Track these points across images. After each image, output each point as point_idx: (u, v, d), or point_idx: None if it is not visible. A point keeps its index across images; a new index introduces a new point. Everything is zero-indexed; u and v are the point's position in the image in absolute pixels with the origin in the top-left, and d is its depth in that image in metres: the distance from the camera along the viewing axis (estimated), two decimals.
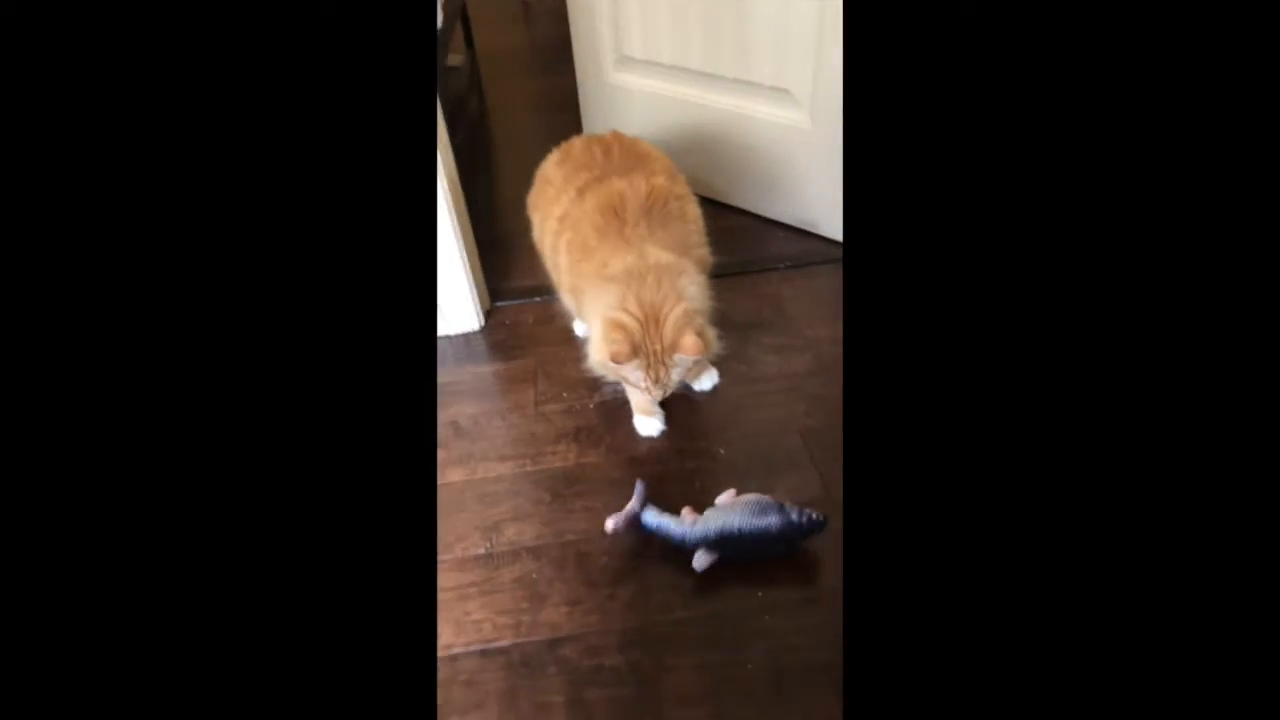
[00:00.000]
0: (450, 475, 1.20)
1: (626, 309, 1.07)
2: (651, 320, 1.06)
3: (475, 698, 0.92)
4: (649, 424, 1.23)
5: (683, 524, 1.01)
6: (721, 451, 1.19)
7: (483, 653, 0.96)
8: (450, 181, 1.34)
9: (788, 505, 1.01)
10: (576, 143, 1.33)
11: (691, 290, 1.10)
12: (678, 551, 1.02)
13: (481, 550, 1.08)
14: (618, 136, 1.31)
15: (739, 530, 0.99)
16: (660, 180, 1.20)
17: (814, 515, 1.00)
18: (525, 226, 1.40)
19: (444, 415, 1.30)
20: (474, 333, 1.46)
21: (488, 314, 1.50)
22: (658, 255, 1.11)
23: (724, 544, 1.00)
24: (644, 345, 1.07)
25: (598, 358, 1.11)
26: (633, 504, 1.05)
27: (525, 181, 1.40)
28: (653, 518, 1.04)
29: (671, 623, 0.98)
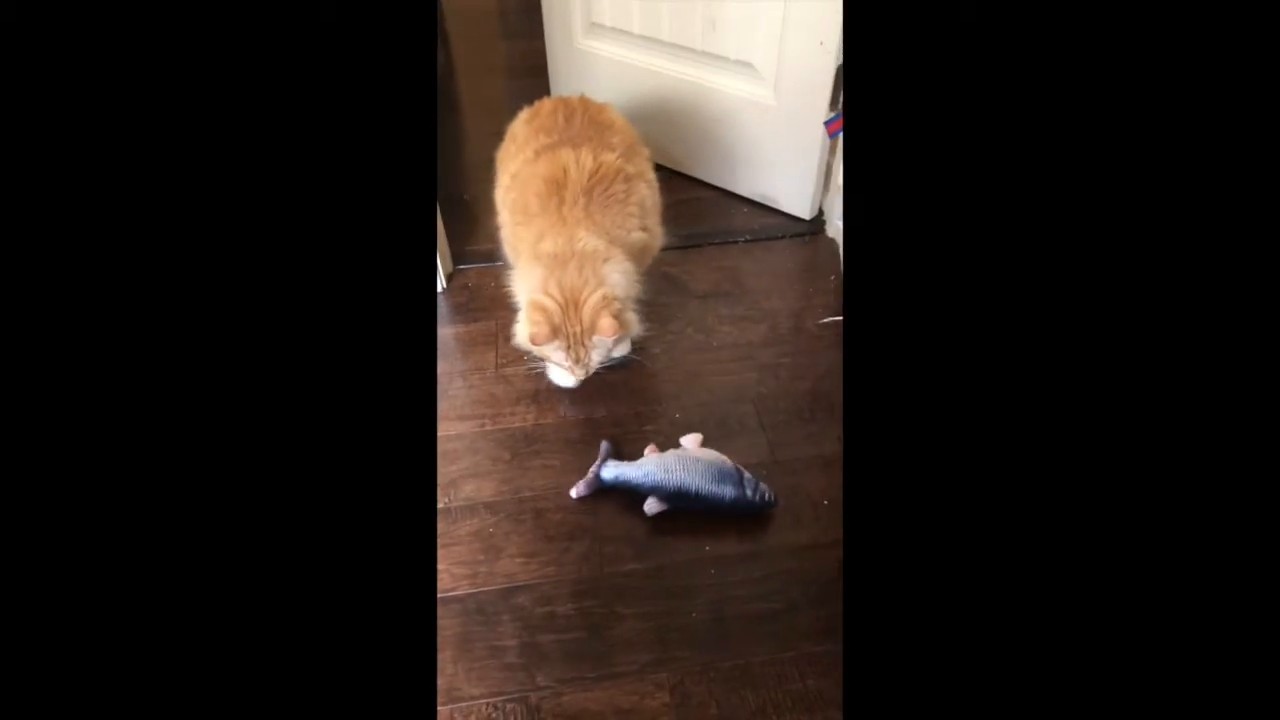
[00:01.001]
0: None
1: (548, 292, 1.12)
2: (571, 304, 1.11)
3: (436, 640, 0.95)
4: (565, 376, 1.25)
5: (642, 468, 1.07)
6: (677, 416, 1.23)
7: (441, 602, 1.00)
8: None
9: (747, 477, 1.07)
10: (546, 103, 1.34)
11: (615, 277, 1.15)
12: (633, 496, 1.09)
13: (441, 504, 1.11)
14: (584, 102, 1.33)
15: (695, 492, 1.05)
16: (611, 157, 1.21)
17: (767, 495, 1.06)
18: (489, 189, 1.40)
19: None
20: (436, 294, 1.47)
21: (449, 276, 1.51)
22: (585, 241, 1.14)
23: (678, 499, 1.06)
24: (564, 327, 1.12)
25: (521, 336, 1.16)
26: (595, 466, 1.11)
27: (490, 145, 1.40)
28: (610, 470, 1.09)
29: (622, 574, 1.03)
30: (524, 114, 1.36)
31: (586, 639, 0.96)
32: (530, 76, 2.03)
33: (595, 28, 1.72)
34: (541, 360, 1.25)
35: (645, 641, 0.95)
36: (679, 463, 1.07)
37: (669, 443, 1.15)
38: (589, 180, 1.18)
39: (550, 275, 1.12)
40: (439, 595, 1.00)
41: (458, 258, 1.54)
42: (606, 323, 1.09)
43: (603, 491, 1.11)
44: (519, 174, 1.24)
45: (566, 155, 1.20)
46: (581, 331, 1.12)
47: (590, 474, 1.11)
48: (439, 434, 1.21)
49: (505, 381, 1.30)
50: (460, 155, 1.90)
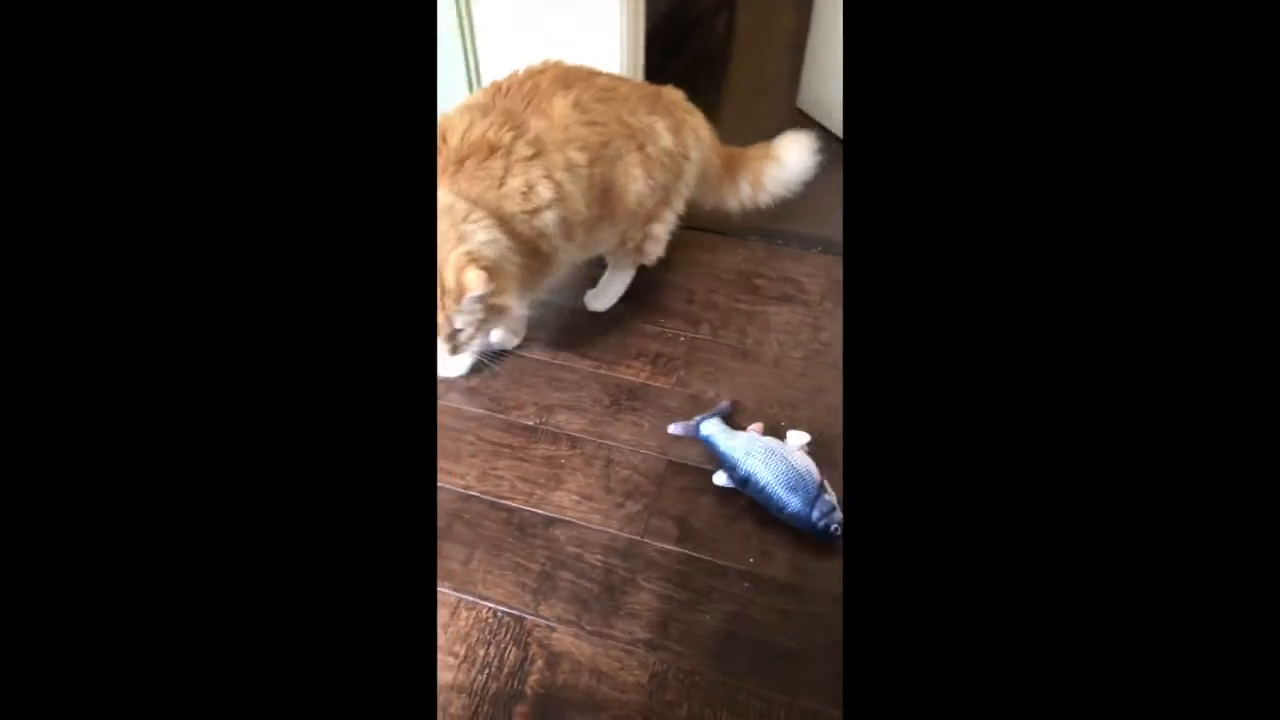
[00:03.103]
0: (534, 352, 1.30)
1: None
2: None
3: (471, 536, 1.03)
4: (451, 364, 1.20)
5: (733, 440, 1.06)
6: (782, 424, 1.16)
7: (492, 504, 1.07)
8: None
9: (824, 498, 0.99)
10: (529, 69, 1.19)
11: (480, 235, 1.00)
12: (710, 467, 1.09)
13: (530, 422, 1.18)
14: (558, 72, 1.16)
15: (762, 486, 1.01)
16: (499, 133, 1.06)
17: (833, 526, 0.98)
18: None
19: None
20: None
21: None
22: (443, 198, 1.01)
23: (744, 485, 1.03)
24: None
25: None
26: (701, 415, 1.13)
27: (733, 115, 1.40)
28: (709, 427, 1.10)
29: (658, 549, 1.01)
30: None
31: (598, 593, 0.97)
32: (800, 54, 1.97)
33: None
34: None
35: (649, 620, 0.94)
36: (765, 452, 1.02)
37: (776, 435, 1.09)
38: (465, 150, 1.05)
39: None
40: (494, 500, 1.08)
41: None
42: (473, 275, 0.94)
43: (693, 443, 1.12)
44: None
45: (454, 121, 1.07)
46: (444, 294, 0.96)
47: (694, 421, 1.12)
48: (558, 361, 1.28)
49: (636, 335, 1.32)
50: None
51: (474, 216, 1.00)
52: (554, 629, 0.93)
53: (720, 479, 1.06)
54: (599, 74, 1.20)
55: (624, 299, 1.39)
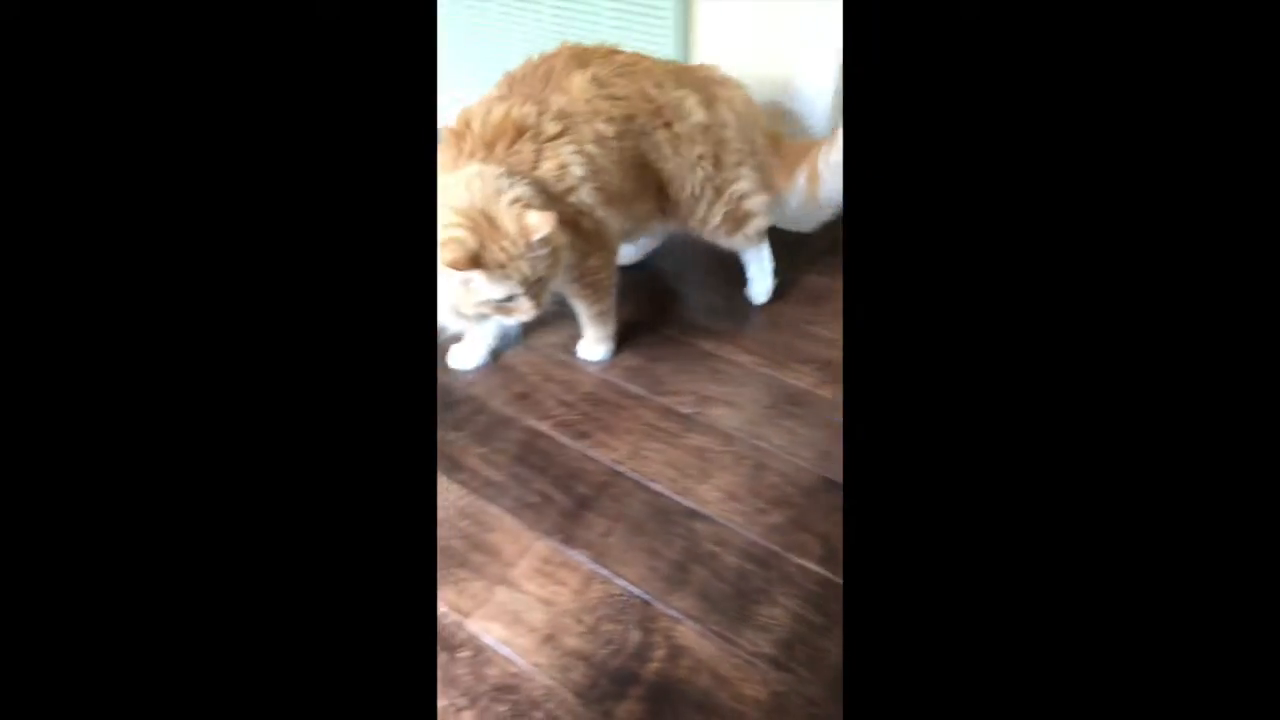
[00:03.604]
0: (702, 343, 1.29)
1: (448, 223, 0.94)
2: (485, 219, 0.94)
3: (614, 510, 1.05)
4: (465, 355, 1.19)
5: None
6: None
7: (638, 484, 1.08)
8: None
9: None
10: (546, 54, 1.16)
11: (522, 189, 0.97)
12: None
13: (687, 410, 1.17)
14: (575, 54, 1.12)
15: None
16: (525, 110, 1.03)
17: None
18: None
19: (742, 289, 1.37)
20: (802, 236, 1.47)
21: (825, 225, 1.48)
22: (476, 169, 0.98)
23: None
24: (490, 249, 0.94)
25: (445, 301, 1.00)
26: None
27: None
28: None
29: (798, 566, 0.97)
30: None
31: (730, 595, 0.94)
32: None
33: None
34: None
35: (778, 636, 0.90)
36: None
37: None
38: (491, 133, 1.02)
39: (442, 207, 0.95)
40: (640, 479, 1.08)
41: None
42: (534, 215, 0.93)
43: None
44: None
45: (474, 109, 1.05)
46: (513, 244, 0.94)
47: None
48: (723, 354, 1.26)
49: (809, 339, 1.27)
50: None
51: (511, 179, 0.99)
52: (680, 622, 0.92)
53: None
54: (618, 51, 1.16)
55: (801, 301, 1.33)
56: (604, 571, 0.98)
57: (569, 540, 1.01)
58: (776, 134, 1.30)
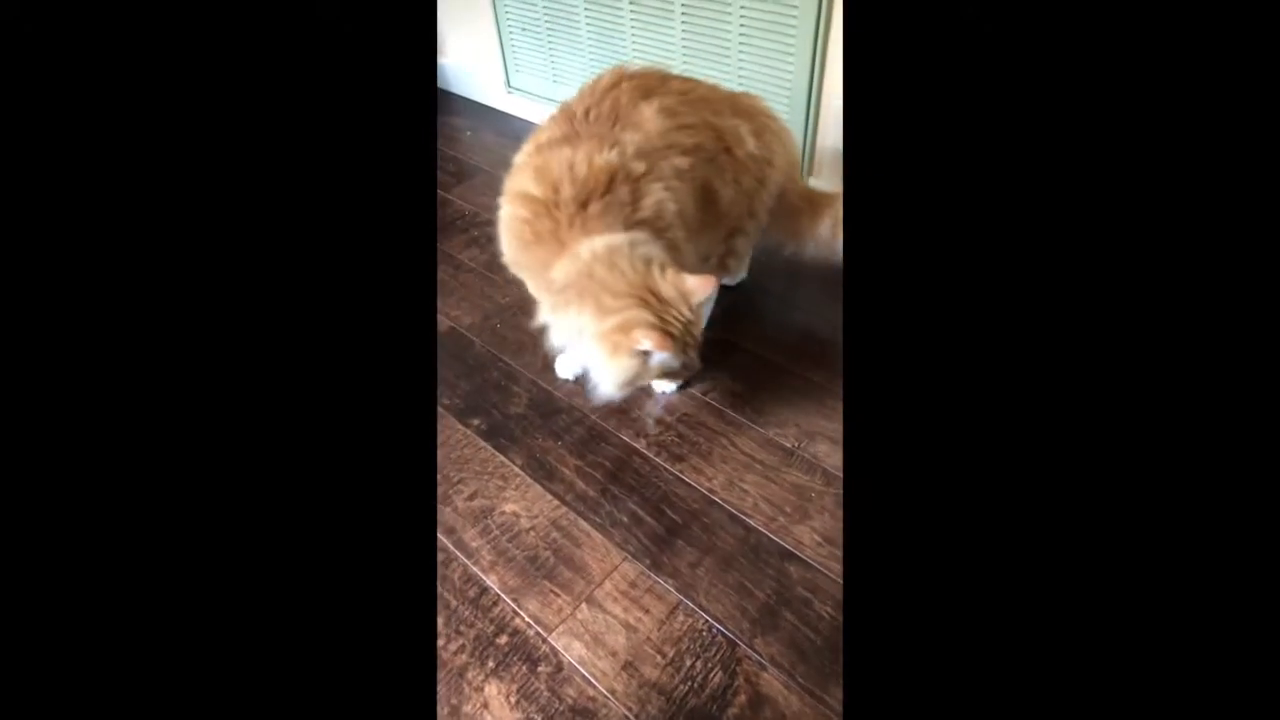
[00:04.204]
0: (811, 374, 1.24)
1: (621, 307, 0.93)
2: (652, 296, 0.93)
3: (705, 541, 1.02)
4: (571, 364, 1.18)
5: None
6: None
7: (732, 516, 1.04)
8: None
9: None
10: (604, 79, 1.12)
11: (657, 250, 0.97)
12: None
13: (788, 444, 1.13)
14: (639, 80, 1.09)
15: None
16: (608, 157, 0.98)
17: None
18: None
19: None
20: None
21: None
22: (596, 242, 0.95)
23: None
24: (673, 326, 0.94)
25: (619, 379, 0.97)
26: None
27: None
28: None
29: None
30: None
31: (821, 648, 0.89)
32: None
33: None
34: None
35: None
36: None
37: None
38: (583, 191, 0.97)
39: (586, 299, 0.93)
40: (734, 511, 1.05)
41: None
42: (695, 280, 0.95)
43: None
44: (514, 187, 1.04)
45: (550, 165, 0.99)
46: (679, 312, 0.95)
47: None
48: (834, 387, 1.20)
49: None
50: None
51: (639, 238, 0.97)
52: (765, 668, 0.88)
53: None
54: (671, 77, 1.13)
55: None
56: (689, 603, 0.95)
57: (657, 566, 0.99)
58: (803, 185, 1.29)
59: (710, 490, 1.08)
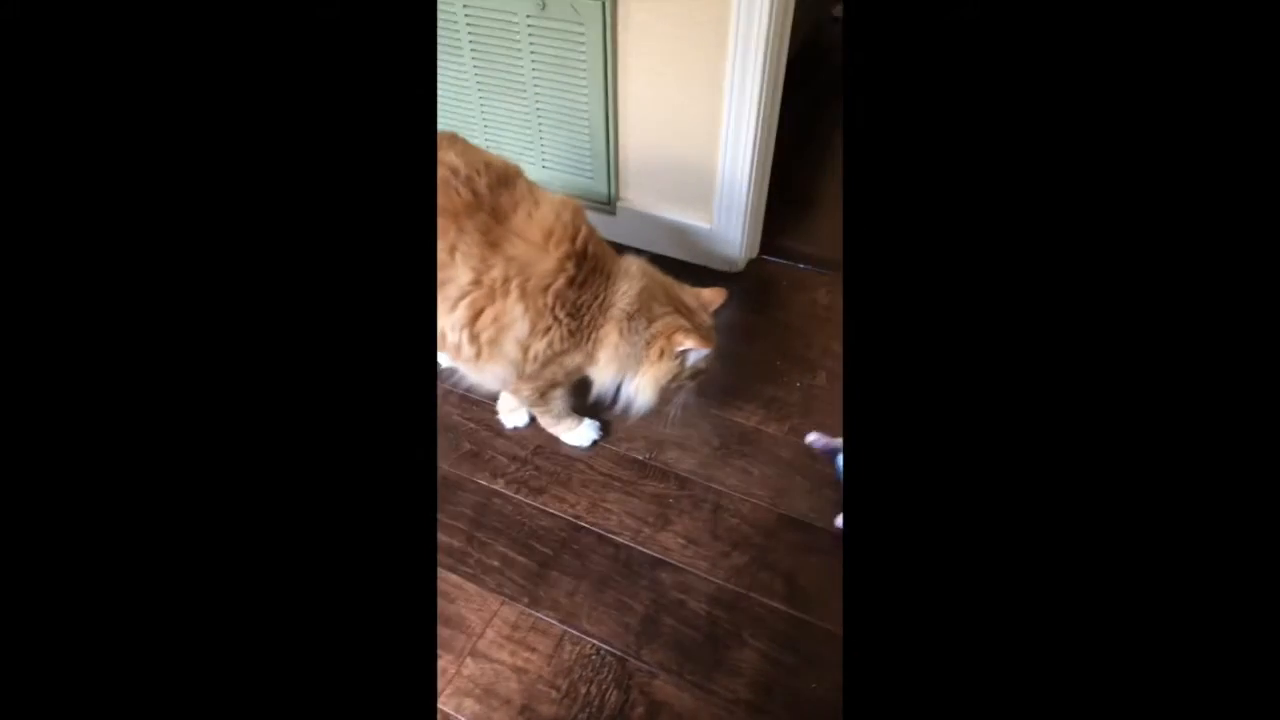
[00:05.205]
0: None
1: (657, 315, 1.01)
2: (679, 305, 1.04)
3: (578, 568, 1.04)
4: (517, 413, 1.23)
5: None
6: None
7: (600, 537, 1.08)
8: (766, 125, 1.37)
9: None
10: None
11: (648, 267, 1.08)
12: (837, 499, 1.09)
13: (640, 456, 1.18)
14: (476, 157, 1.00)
15: None
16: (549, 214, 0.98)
17: None
18: (828, 193, 1.38)
19: None
20: (730, 274, 1.51)
21: (750, 262, 1.54)
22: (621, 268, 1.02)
23: None
24: (704, 329, 1.04)
25: (663, 382, 1.03)
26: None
27: None
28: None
29: (765, 606, 0.99)
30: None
31: (702, 644, 0.96)
32: None
33: None
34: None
35: (753, 680, 0.92)
36: None
37: None
38: (541, 234, 0.96)
39: (612, 309, 0.99)
40: (602, 532, 1.08)
41: (765, 247, 1.56)
42: (710, 291, 1.10)
43: (804, 496, 1.09)
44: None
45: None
46: (703, 316, 1.07)
47: (837, 442, 1.10)
48: None
49: (750, 377, 1.30)
50: (816, 154, 1.89)
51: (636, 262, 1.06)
52: (656, 675, 0.93)
53: (842, 523, 1.03)
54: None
55: (743, 340, 1.37)
56: (574, 632, 0.97)
57: (535, 602, 1.00)
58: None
59: (575, 516, 1.10)
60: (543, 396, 1.09)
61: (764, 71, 1.25)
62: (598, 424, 1.21)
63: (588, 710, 0.89)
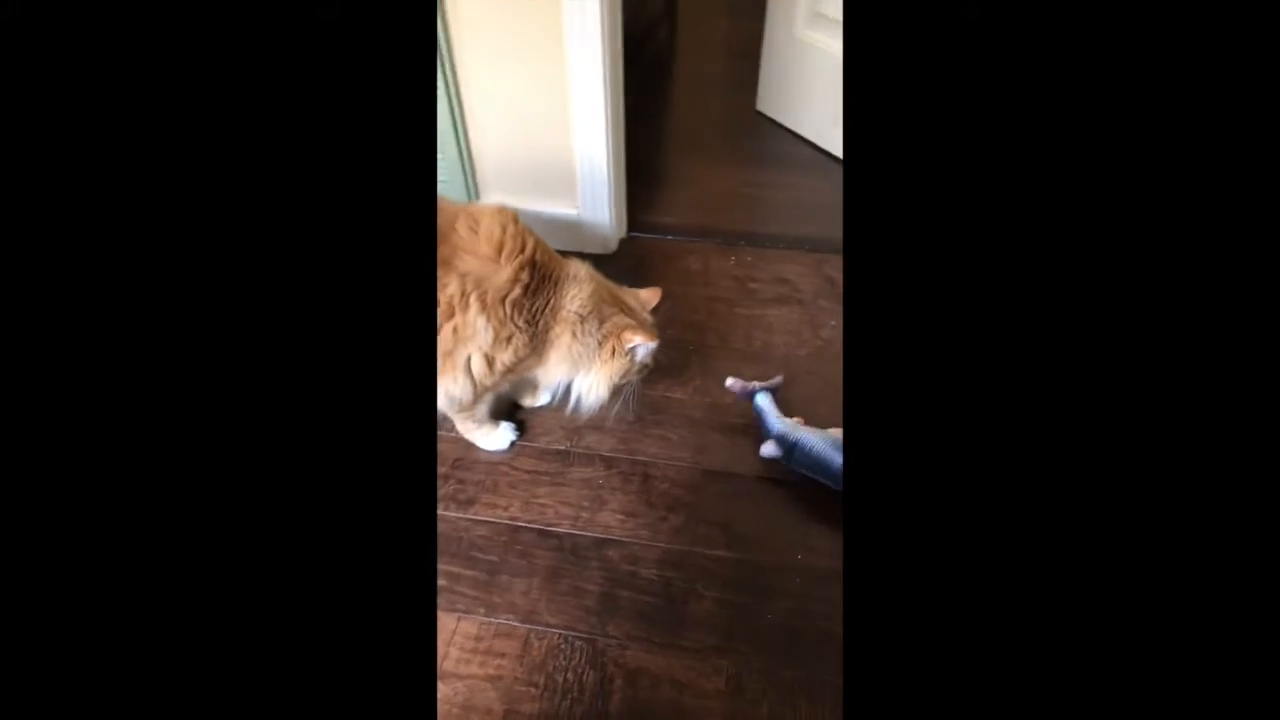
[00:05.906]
0: None
1: (607, 315, 1.08)
2: (620, 303, 1.11)
3: (526, 567, 1.05)
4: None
5: (782, 419, 1.12)
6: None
7: (540, 532, 1.09)
8: (614, 107, 1.41)
9: None
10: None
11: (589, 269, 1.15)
12: (757, 435, 1.15)
13: (561, 446, 1.20)
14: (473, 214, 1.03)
15: (810, 448, 1.08)
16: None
17: None
18: (679, 165, 1.45)
19: None
20: (605, 256, 1.55)
21: (621, 241, 1.58)
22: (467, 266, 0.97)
23: (793, 450, 1.09)
24: (647, 326, 1.11)
25: (615, 379, 1.10)
26: (761, 384, 1.17)
27: (695, 120, 1.44)
28: (763, 399, 1.15)
29: (710, 558, 1.05)
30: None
31: (661, 606, 1.00)
32: (745, 59, 2.04)
33: (818, 18, 1.69)
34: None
35: (715, 626, 0.98)
36: (811, 430, 1.10)
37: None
38: (489, 246, 0.99)
39: (564, 311, 1.04)
40: (541, 527, 1.09)
41: (634, 224, 1.61)
42: (647, 291, 1.19)
43: (722, 448, 1.16)
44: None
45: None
46: (650, 318, 1.15)
47: (752, 385, 1.17)
48: None
49: None
50: (661, 126, 1.97)
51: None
52: (626, 647, 0.96)
53: (767, 450, 1.11)
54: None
55: None
56: (538, 627, 0.98)
57: (492, 610, 1.00)
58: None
59: (511, 518, 1.11)
60: (475, 401, 1.09)
61: (604, 47, 1.29)
62: (513, 425, 1.21)
63: (570, 696, 0.91)
